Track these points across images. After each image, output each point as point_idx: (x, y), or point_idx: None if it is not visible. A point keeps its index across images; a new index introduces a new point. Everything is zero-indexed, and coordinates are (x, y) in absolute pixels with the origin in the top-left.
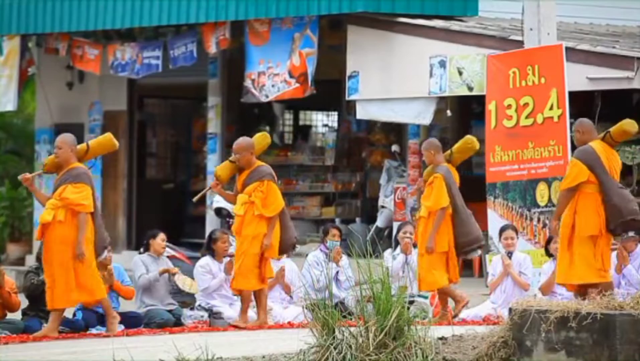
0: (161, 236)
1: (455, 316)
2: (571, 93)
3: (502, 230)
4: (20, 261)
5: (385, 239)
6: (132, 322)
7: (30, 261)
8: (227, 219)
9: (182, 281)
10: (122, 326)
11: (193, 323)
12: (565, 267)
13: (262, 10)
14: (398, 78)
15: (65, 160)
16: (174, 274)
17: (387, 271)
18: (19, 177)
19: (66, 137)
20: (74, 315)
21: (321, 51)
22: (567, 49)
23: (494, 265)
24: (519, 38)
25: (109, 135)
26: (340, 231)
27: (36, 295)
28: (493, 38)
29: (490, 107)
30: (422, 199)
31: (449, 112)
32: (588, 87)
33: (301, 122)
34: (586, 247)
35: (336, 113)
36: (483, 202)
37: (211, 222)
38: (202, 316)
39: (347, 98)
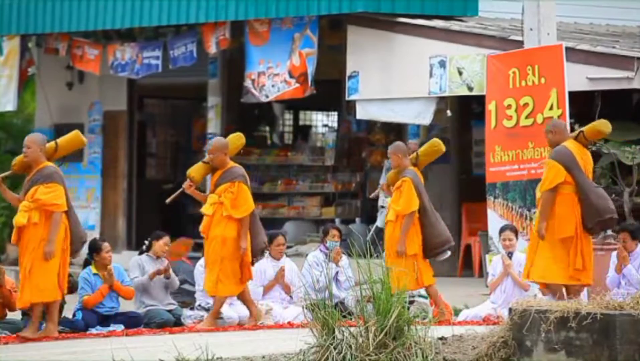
0: (165, 240)
1: None
2: (571, 94)
3: (501, 230)
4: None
5: None
6: (132, 322)
7: None
8: None
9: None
10: (122, 326)
11: (193, 323)
12: (542, 265)
13: (262, 10)
14: (398, 78)
15: (34, 159)
16: (167, 277)
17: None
18: None
19: (35, 136)
20: (74, 315)
21: (321, 51)
22: (567, 49)
23: (494, 265)
24: (519, 38)
25: (76, 131)
26: (340, 231)
27: None
28: (493, 38)
29: (490, 107)
30: (392, 202)
31: (449, 112)
32: (588, 87)
33: (301, 122)
34: (560, 249)
35: (336, 113)
36: (483, 202)
37: None
38: (202, 316)
39: (347, 98)
